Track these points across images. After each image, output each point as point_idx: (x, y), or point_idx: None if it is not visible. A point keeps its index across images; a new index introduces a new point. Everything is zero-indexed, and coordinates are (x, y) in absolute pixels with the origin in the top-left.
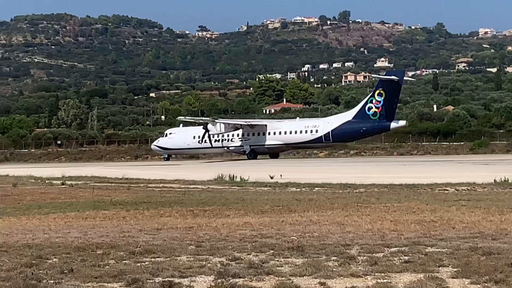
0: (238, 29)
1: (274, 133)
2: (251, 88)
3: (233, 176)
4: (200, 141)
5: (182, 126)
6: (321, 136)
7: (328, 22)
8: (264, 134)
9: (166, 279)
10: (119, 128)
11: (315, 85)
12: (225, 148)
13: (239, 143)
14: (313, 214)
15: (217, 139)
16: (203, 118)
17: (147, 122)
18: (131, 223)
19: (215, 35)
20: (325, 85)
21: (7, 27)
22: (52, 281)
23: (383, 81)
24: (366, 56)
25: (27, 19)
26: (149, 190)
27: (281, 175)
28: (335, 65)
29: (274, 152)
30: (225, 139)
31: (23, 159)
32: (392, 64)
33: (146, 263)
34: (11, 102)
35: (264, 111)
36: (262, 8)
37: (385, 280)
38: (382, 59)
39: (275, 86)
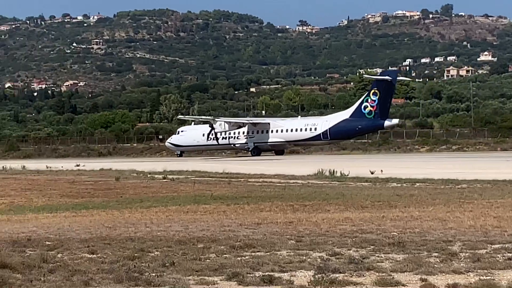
0: (339, 23)
1: (277, 131)
2: (352, 83)
3: (333, 171)
4: (208, 139)
5: (194, 124)
6: (320, 134)
7: (430, 15)
8: (267, 132)
9: (266, 273)
10: None
11: (417, 80)
12: (232, 145)
13: (244, 140)
14: (414, 209)
15: (224, 136)
16: (203, 117)
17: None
18: (231, 217)
19: (316, 30)
20: (427, 80)
21: (110, 23)
22: (154, 274)
23: (378, 81)
24: (469, 50)
25: (130, 15)
26: (249, 184)
27: (381, 171)
28: (437, 59)
29: (278, 149)
30: (232, 137)
31: (126, 153)
32: (496, 58)
33: (246, 257)
34: (114, 97)
35: None
36: (363, 2)
37: (488, 277)
38: (486, 53)
39: None
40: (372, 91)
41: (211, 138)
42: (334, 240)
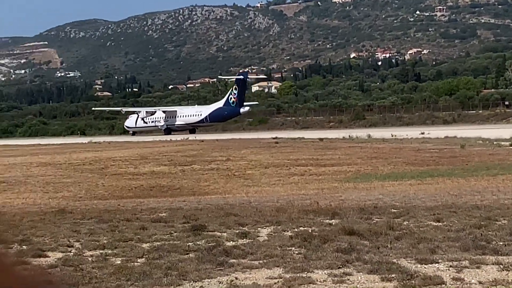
0: None
1: (180, 117)
2: None
3: None
4: (143, 122)
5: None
6: (203, 119)
7: None
8: (175, 117)
9: None
10: None
11: None
12: (156, 126)
13: (162, 123)
14: None
15: (153, 120)
16: (112, 108)
17: None
18: None
19: None
20: None
21: None
22: (501, 243)
23: (237, 79)
24: None
25: None
26: None
27: None
28: None
29: (187, 129)
30: (156, 120)
31: (470, 120)
32: None
33: None
34: (458, 64)
35: None
36: None
37: None
38: None
39: None
40: (234, 86)
41: (143, 122)
42: None
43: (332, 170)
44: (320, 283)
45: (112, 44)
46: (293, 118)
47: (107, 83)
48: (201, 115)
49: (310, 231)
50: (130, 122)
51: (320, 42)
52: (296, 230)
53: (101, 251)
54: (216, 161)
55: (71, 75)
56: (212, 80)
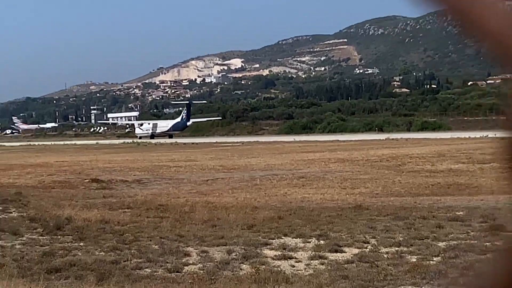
0: None
1: (160, 127)
2: None
3: None
4: (141, 130)
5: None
6: (168, 129)
7: None
8: (156, 127)
9: None
10: None
11: None
12: (148, 133)
13: (151, 131)
14: None
15: (147, 129)
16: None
17: None
18: None
19: None
20: None
21: None
22: None
23: (186, 104)
24: None
25: None
26: None
27: None
28: None
29: (166, 135)
30: (148, 129)
31: None
32: None
33: None
34: None
35: None
36: None
37: None
38: None
39: None
40: (185, 108)
41: (140, 130)
42: None
43: None
44: None
45: (411, 40)
46: None
47: (405, 79)
48: (168, 126)
49: None
50: (136, 130)
51: None
52: None
53: (396, 248)
54: None
55: (369, 71)
56: None
